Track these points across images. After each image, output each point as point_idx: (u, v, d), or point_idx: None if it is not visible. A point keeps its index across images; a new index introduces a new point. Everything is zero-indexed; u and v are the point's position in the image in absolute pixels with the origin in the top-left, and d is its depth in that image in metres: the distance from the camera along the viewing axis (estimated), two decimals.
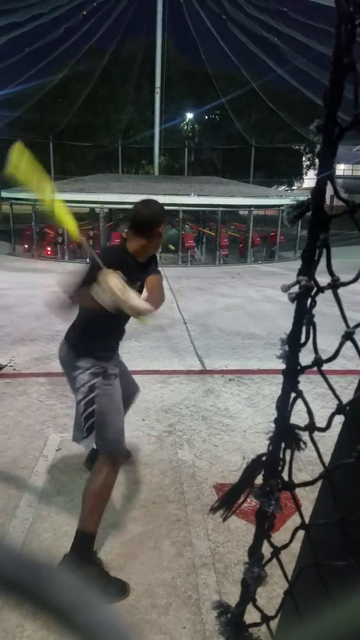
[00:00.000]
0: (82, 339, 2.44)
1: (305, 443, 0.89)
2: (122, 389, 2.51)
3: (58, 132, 26.96)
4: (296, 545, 0.99)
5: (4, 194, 16.01)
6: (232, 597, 1.36)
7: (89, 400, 2.33)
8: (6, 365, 4.86)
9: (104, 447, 2.34)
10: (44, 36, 23.07)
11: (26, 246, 14.41)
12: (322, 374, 0.81)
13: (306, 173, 34.90)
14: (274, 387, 4.45)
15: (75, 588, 0.29)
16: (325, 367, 0.82)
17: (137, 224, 2.36)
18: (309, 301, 0.81)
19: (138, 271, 2.39)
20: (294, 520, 2.24)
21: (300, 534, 0.92)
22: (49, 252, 13.88)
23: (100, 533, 2.50)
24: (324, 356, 0.82)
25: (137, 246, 2.36)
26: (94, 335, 2.43)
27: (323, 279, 0.85)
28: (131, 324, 2.47)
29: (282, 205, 14.62)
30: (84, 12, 23.31)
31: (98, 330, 2.43)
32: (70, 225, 2.09)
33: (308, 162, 33.93)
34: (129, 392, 2.80)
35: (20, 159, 1.96)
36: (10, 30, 20.56)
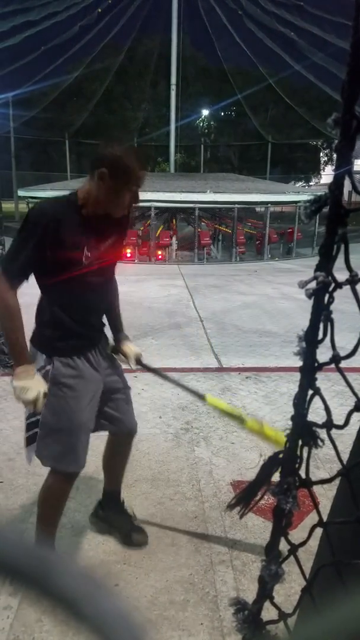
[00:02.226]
0: (37, 320, 2.02)
1: (323, 440, 0.88)
2: (108, 411, 2.16)
3: (74, 131, 27.12)
4: (314, 543, 0.98)
5: (21, 193, 16.18)
6: (250, 595, 1.35)
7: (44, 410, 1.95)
8: None
9: (44, 459, 2.03)
10: (60, 34, 23.21)
11: None
12: (340, 370, 0.81)
13: (324, 169, 34.56)
14: (291, 385, 4.42)
15: (83, 578, 0.30)
16: (343, 364, 0.81)
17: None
18: (326, 297, 0.81)
19: (77, 231, 1.86)
20: (312, 518, 2.23)
21: (318, 531, 0.92)
22: None
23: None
24: (342, 353, 0.81)
25: (83, 192, 1.90)
26: (46, 317, 1.98)
27: (341, 275, 0.84)
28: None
29: (299, 201, 14.51)
30: (99, 10, 23.39)
31: (49, 310, 1.96)
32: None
33: (326, 158, 33.59)
34: (120, 421, 2.24)
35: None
36: (26, 29, 20.73)
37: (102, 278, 1.99)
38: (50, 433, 1.97)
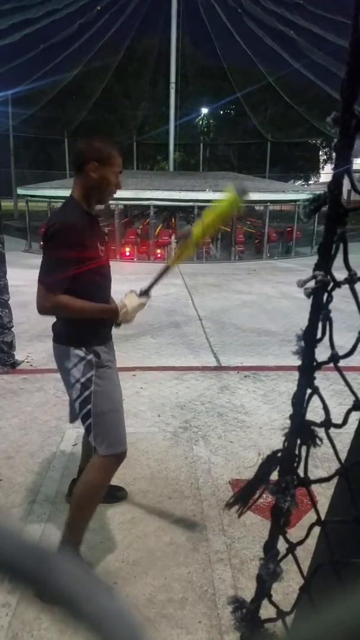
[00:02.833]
0: (67, 323, 2.17)
1: (321, 439, 0.88)
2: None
3: (73, 129, 27.07)
4: (312, 542, 0.99)
5: (20, 192, 16.16)
6: (248, 593, 1.36)
7: (85, 399, 2.11)
8: (23, 362, 4.91)
9: (103, 448, 2.12)
10: (59, 32, 23.16)
11: (42, 243, 14.51)
12: (339, 369, 0.81)
13: (323, 168, 34.56)
14: (290, 384, 4.43)
15: (82, 576, 0.30)
16: (342, 363, 0.81)
17: (74, 162, 2.11)
18: (325, 296, 0.81)
19: (93, 231, 2.11)
20: (310, 517, 2.23)
21: (317, 530, 0.92)
22: None
23: (117, 528, 2.52)
24: (341, 353, 0.81)
25: (78, 193, 2.11)
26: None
27: (340, 274, 0.84)
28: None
29: (298, 200, 14.51)
30: (99, 8, 23.34)
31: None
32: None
33: (325, 157, 33.59)
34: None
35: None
36: (25, 27, 20.68)
37: (109, 269, 2.26)
38: (103, 417, 2.13)
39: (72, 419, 2.38)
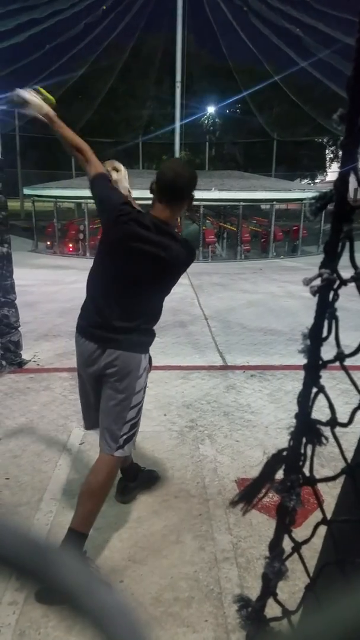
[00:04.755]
0: (142, 328, 2.20)
1: (327, 438, 0.88)
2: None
3: (79, 129, 27.09)
4: (318, 541, 0.98)
5: (27, 191, 16.22)
6: (254, 592, 1.36)
7: (140, 408, 2.25)
8: (30, 361, 4.93)
9: (127, 450, 2.26)
10: (64, 32, 23.17)
11: (48, 243, 14.58)
12: (345, 368, 0.81)
13: (329, 166, 34.41)
14: (296, 383, 4.41)
15: (82, 571, 0.30)
16: (348, 362, 0.81)
17: (174, 189, 2.12)
18: (331, 295, 0.80)
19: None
20: (316, 516, 2.23)
21: (322, 529, 0.92)
22: (71, 249, 14.01)
23: (123, 526, 2.52)
24: (347, 352, 0.81)
25: (171, 217, 2.19)
26: (154, 320, 2.23)
27: (346, 273, 0.84)
28: None
29: (304, 199, 14.45)
30: (104, 7, 23.35)
31: (157, 312, 2.24)
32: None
33: (331, 155, 33.45)
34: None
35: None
36: (31, 27, 20.72)
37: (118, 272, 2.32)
38: (138, 424, 2.30)
39: (94, 426, 2.40)
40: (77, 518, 2.15)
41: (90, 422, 2.41)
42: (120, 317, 2.13)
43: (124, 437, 2.21)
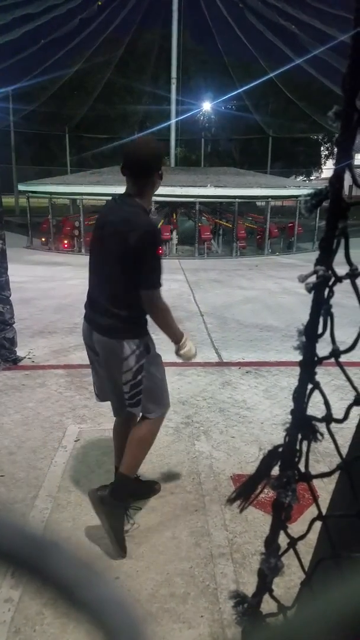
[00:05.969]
0: (128, 314, 2.27)
1: (322, 434, 0.89)
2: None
3: (74, 125, 26.99)
4: (313, 537, 0.99)
5: (21, 187, 16.15)
6: (250, 587, 1.36)
7: (136, 383, 2.32)
8: (25, 358, 4.92)
9: (152, 412, 2.42)
10: (59, 28, 23.04)
11: (43, 239, 14.52)
12: (340, 364, 0.81)
13: (325, 163, 34.45)
14: (292, 380, 4.43)
15: (79, 563, 0.30)
16: (343, 358, 0.81)
17: (137, 164, 2.16)
18: (326, 291, 0.81)
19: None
20: (312, 512, 2.24)
21: (318, 525, 0.92)
22: (66, 245, 13.96)
23: None
24: (342, 348, 0.81)
25: (148, 198, 2.27)
26: (138, 307, 2.27)
27: (341, 269, 0.84)
28: None
29: (299, 195, 14.45)
30: (99, 3, 23.22)
31: (139, 299, 2.28)
32: None
33: (327, 152, 33.47)
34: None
35: None
36: (26, 23, 20.57)
37: None
38: (157, 391, 2.42)
39: (123, 410, 2.48)
40: (123, 463, 2.40)
41: (103, 393, 2.54)
42: (106, 302, 2.27)
43: (128, 398, 2.34)
